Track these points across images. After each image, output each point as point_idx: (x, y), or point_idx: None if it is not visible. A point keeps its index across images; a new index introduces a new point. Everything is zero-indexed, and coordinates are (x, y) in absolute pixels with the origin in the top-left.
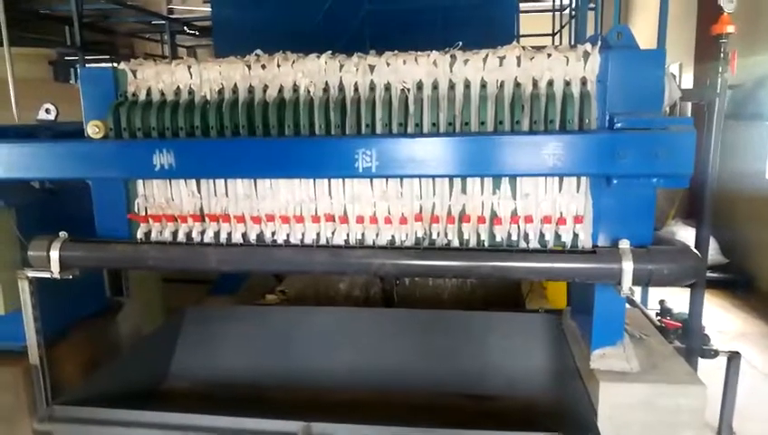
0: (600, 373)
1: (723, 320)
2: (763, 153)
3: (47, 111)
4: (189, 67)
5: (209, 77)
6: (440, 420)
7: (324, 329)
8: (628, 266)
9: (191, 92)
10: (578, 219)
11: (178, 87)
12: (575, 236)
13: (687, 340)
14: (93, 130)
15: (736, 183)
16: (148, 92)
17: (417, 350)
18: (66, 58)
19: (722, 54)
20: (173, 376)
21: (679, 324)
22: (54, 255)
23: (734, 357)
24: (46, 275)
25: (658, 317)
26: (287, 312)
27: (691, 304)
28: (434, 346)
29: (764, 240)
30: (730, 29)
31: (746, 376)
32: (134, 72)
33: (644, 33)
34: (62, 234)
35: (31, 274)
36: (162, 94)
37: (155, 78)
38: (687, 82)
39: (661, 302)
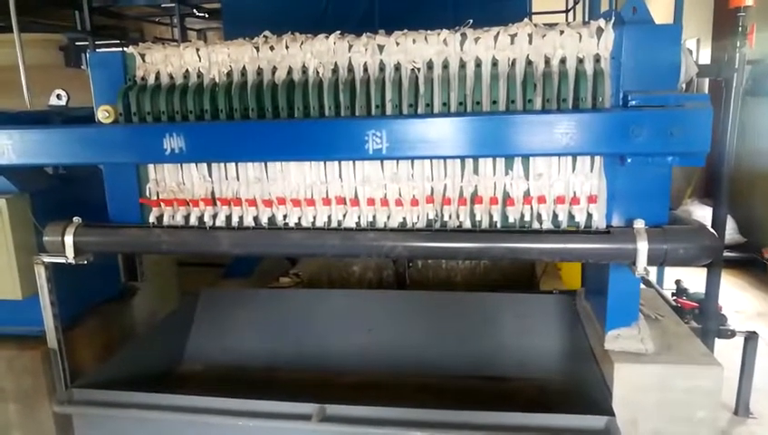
0: (614, 355)
1: (740, 300)
2: None
3: (58, 96)
4: (198, 50)
5: (218, 60)
6: (454, 402)
7: (338, 311)
8: (642, 246)
9: (200, 75)
10: (592, 199)
11: (187, 70)
12: (589, 216)
13: (704, 320)
14: (103, 114)
15: (755, 161)
16: (157, 76)
17: (430, 331)
18: (77, 43)
19: (740, 28)
20: (188, 359)
21: (695, 304)
22: (69, 240)
23: (751, 337)
24: (61, 260)
25: (674, 297)
26: (301, 294)
27: (707, 284)
28: (448, 328)
29: None
30: (749, 2)
31: (763, 356)
32: (143, 56)
33: (660, 7)
34: (76, 219)
35: (46, 259)
36: (171, 78)
37: (163, 61)
38: (705, 57)
39: (677, 282)
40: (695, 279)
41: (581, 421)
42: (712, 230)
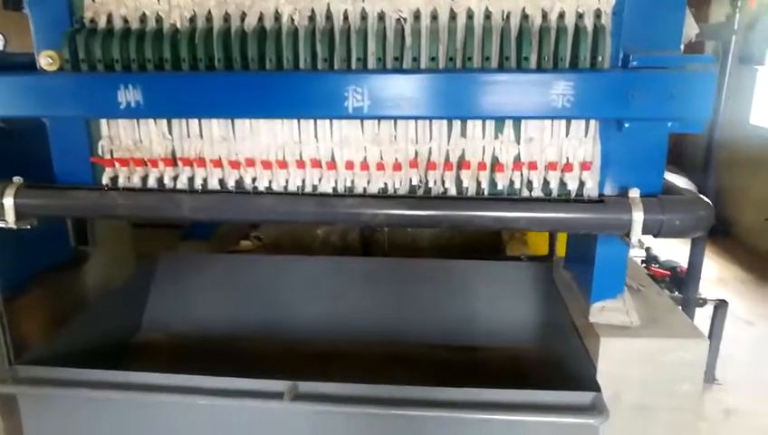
0: (599, 328)
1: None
2: (749, 98)
3: None
4: None
5: (179, 2)
6: (427, 373)
7: (304, 279)
8: (638, 217)
9: (159, 20)
10: (585, 166)
11: (144, 13)
12: (581, 183)
13: (685, 290)
14: (46, 61)
15: (718, 128)
16: (109, 19)
17: (401, 300)
18: None
19: None
20: (147, 328)
21: (667, 273)
22: (8, 202)
23: (720, 305)
24: (0, 224)
25: (644, 265)
26: (265, 260)
27: (691, 254)
28: (419, 296)
29: (743, 187)
30: None
31: (726, 323)
32: None
33: None
34: (17, 179)
35: None
36: (125, 21)
37: (116, 2)
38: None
39: (647, 249)
40: (662, 246)
41: (566, 398)
42: (708, 200)
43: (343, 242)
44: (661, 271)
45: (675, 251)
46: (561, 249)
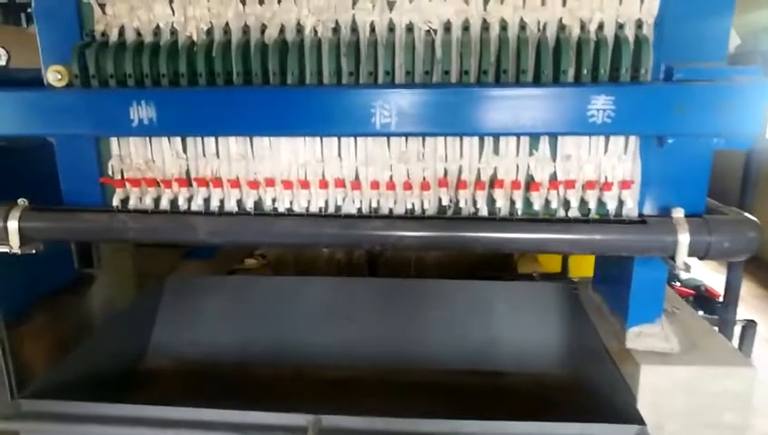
0: (638, 354)
1: (722, 285)
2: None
3: None
4: (171, 2)
5: (195, 14)
6: (445, 400)
7: (316, 301)
8: (684, 238)
9: (174, 32)
10: (625, 184)
11: (158, 26)
12: (620, 203)
13: (723, 312)
14: (54, 76)
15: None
16: (121, 32)
17: (416, 323)
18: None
19: None
20: (153, 354)
21: (692, 292)
22: (13, 226)
23: (749, 326)
24: (4, 249)
25: None
26: (275, 282)
27: (729, 274)
28: (435, 319)
29: (758, 203)
30: None
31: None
32: (102, 7)
33: None
34: (22, 201)
35: None
36: (138, 34)
37: (129, 14)
38: None
39: None
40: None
41: (608, 431)
42: (756, 220)
43: (348, 259)
44: (685, 290)
45: (695, 268)
46: (574, 267)
